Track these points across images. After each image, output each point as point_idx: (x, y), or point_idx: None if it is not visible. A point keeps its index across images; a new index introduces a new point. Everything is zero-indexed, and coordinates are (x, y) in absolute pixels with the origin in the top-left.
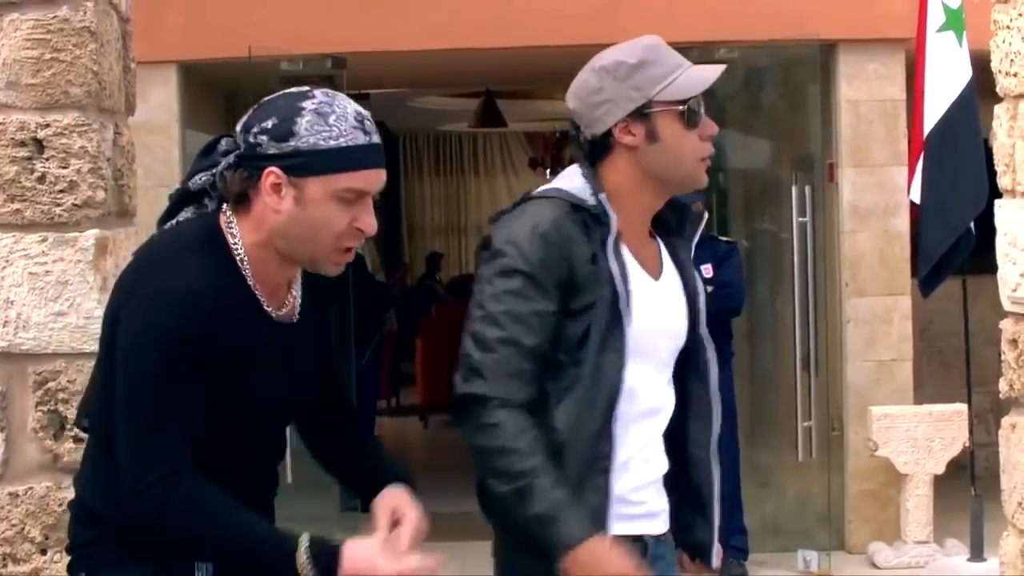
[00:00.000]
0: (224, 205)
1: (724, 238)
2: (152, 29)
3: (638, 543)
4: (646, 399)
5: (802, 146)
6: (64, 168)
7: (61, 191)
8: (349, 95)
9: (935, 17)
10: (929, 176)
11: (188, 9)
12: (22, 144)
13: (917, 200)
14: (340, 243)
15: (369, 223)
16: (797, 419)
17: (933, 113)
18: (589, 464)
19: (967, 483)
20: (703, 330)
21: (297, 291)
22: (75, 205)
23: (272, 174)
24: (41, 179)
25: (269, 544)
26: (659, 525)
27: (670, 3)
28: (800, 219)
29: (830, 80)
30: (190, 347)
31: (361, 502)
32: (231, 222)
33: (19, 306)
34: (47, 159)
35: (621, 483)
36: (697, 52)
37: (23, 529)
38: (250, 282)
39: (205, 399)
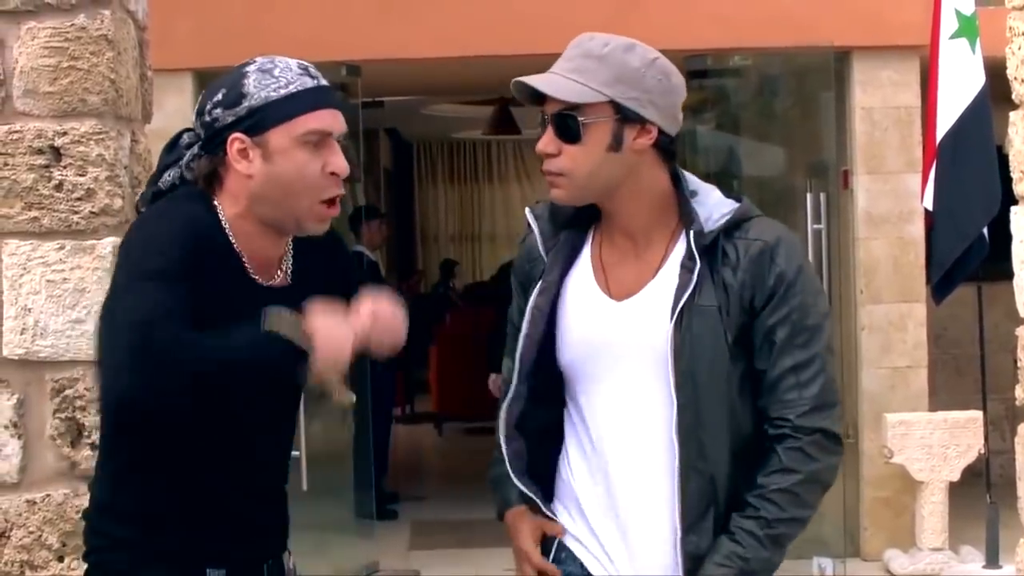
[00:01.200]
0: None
1: None
2: (166, 37)
3: None
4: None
5: (816, 153)
6: (81, 176)
7: (79, 199)
8: (364, 103)
9: (948, 24)
10: (941, 183)
11: (202, 17)
12: (40, 152)
13: (930, 207)
14: (319, 194)
15: (340, 164)
16: None
17: (946, 120)
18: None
19: (982, 490)
20: (693, 345)
21: (287, 267)
22: (92, 213)
23: (236, 140)
24: (59, 187)
25: (250, 346)
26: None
27: (683, 10)
28: (814, 226)
29: (844, 87)
30: (178, 264)
31: None
32: (211, 198)
33: (37, 313)
34: (64, 167)
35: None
36: (711, 59)
37: (40, 536)
38: (235, 244)
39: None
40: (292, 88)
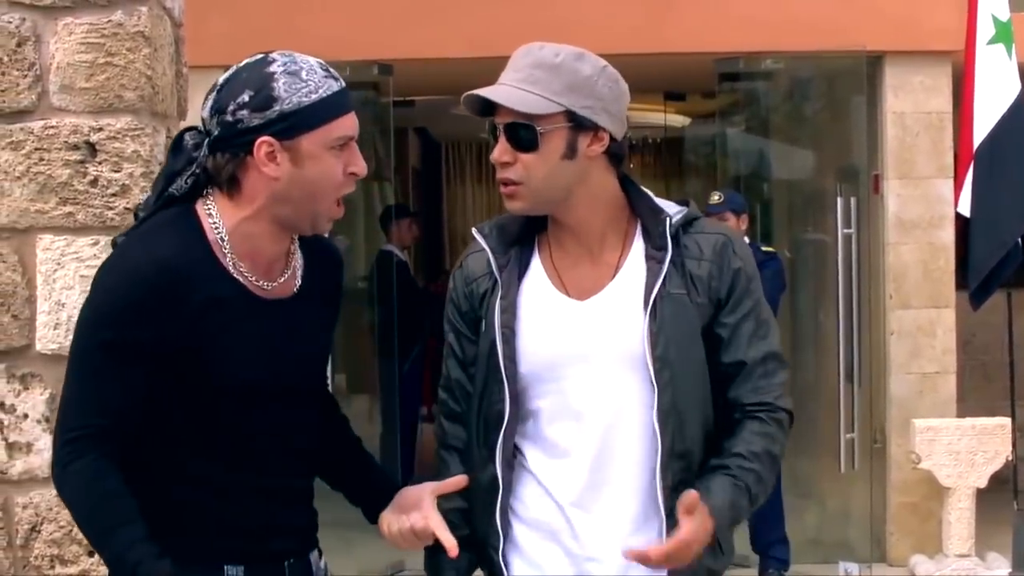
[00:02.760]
0: (206, 192)
1: (764, 247)
2: (199, 34)
3: None
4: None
5: (847, 157)
6: (116, 172)
7: (113, 195)
8: (395, 102)
9: (985, 29)
10: (979, 189)
11: (235, 15)
12: (75, 148)
13: (966, 213)
14: (338, 194)
15: (361, 165)
16: (839, 430)
17: (983, 126)
18: (483, 501)
19: (1009, 497)
20: (665, 348)
21: (298, 268)
22: (127, 209)
23: (264, 143)
24: (94, 183)
25: (127, 563)
26: (606, 567)
27: (716, 13)
28: (845, 230)
29: (876, 91)
30: (133, 319)
31: (365, 511)
32: (209, 206)
33: (70, 309)
34: (100, 163)
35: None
36: (743, 62)
37: (71, 531)
38: (227, 259)
39: (145, 378)
40: (321, 93)
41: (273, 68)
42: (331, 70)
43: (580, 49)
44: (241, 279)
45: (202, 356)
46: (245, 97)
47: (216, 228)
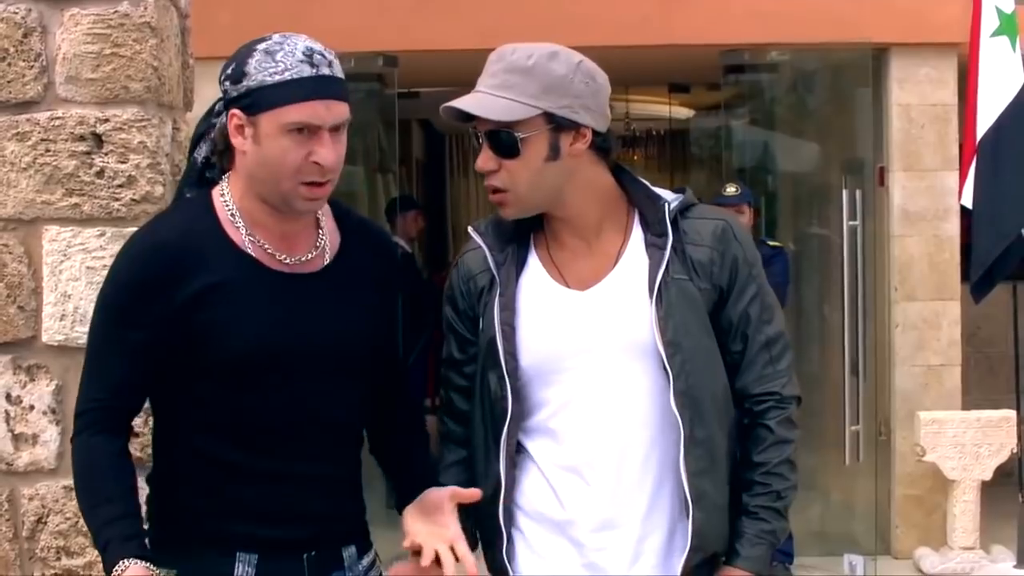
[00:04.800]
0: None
1: (771, 242)
2: (204, 26)
3: None
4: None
5: (852, 150)
6: (123, 163)
7: (120, 186)
8: (399, 94)
9: (989, 22)
10: (982, 182)
11: (241, 6)
12: (81, 139)
13: (969, 205)
14: (300, 178)
15: (325, 156)
16: (845, 423)
17: (986, 118)
18: (489, 498)
19: (1014, 490)
20: (671, 334)
21: (329, 248)
22: (133, 200)
23: (234, 116)
24: (100, 174)
25: (100, 536)
26: (614, 559)
27: (721, 5)
28: (850, 223)
29: (881, 84)
30: (133, 298)
31: (396, 501)
32: (222, 185)
33: (76, 300)
34: (106, 154)
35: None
36: (748, 54)
37: (77, 523)
38: (241, 231)
39: (145, 354)
40: (287, 76)
41: (259, 45)
42: (315, 57)
43: (554, 47)
44: (253, 251)
45: (203, 329)
46: (230, 69)
47: (227, 205)
